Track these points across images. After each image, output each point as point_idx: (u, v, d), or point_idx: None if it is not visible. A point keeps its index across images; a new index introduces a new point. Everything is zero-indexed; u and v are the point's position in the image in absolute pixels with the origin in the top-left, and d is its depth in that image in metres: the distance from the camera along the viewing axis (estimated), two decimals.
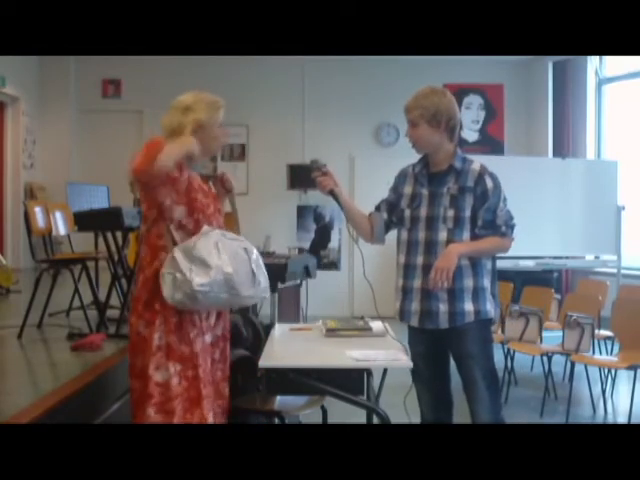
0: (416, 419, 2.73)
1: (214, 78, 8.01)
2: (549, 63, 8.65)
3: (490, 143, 8.91)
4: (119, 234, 4.63)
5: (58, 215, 4.86)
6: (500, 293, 3.05)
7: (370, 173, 8.24)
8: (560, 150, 8.40)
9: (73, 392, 2.89)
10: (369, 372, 2.46)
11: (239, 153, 8.76)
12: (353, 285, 8.62)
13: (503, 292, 5.35)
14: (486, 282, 2.64)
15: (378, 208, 2.82)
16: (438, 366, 2.72)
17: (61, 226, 4.88)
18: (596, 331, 4.78)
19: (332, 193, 2.70)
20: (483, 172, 2.62)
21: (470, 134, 8.86)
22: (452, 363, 2.73)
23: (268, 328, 3.07)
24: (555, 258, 7.67)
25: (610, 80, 8.33)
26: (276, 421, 2.82)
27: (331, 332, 2.86)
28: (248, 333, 3.07)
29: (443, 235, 2.60)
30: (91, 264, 4.67)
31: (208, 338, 2.48)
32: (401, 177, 2.79)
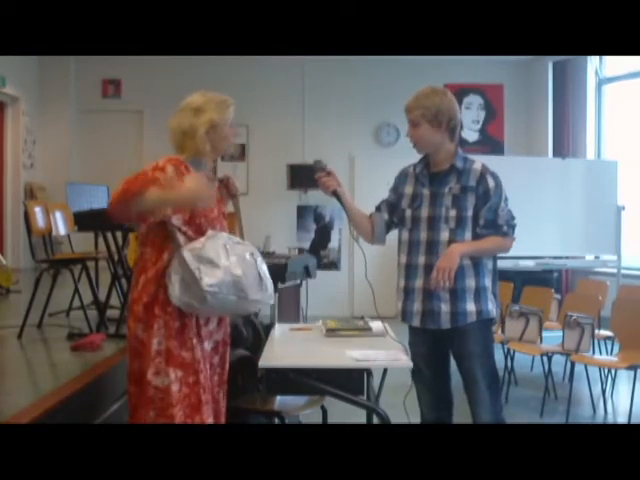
0: (416, 419, 2.72)
1: (214, 78, 8.01)
2: (549, 63, 8.65)
3: (490, 143, 8.91)
4: (119, 234, 4.63)
5: (58, 215, 4.86)
6: (500, 293, 3.05)
7: (370, 173, 8.23)
8: (560, 150, 8.40)
9: (73, 392, 2.89)
10: (369, 372, 2.46)
11: (239, 153, 8.76)
12: (353, 285, 8.62)
13: (503, 292, 5.36)
14: (487, 282, 2.64)
15: (379, 208, 2.82)
16: (439, 366, 2.72)
17: (61, 226, 4.88)
18: (596, 331, 4.78)
19: (335, 193, 2.69)
20: (485, 171, 2.62)
21: (470, 134, 8.86)
22: (452, 363, 2.73)
23: (268, 328, 3.07)
24: (555, 258, 7.67)
25: (610, 80, 8.33)
26: (276, 421, 2.82)
27: (331, 332, 2.86)
28: (248, 333, 3.07)
29: (445, 235, 2.60)
30: (91, 264, 4.67)
31: (208, 344, 2.46)
32: (401, 177, 2.79)
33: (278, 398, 2.90)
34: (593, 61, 8.31)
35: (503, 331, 4.99)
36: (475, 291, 2.60)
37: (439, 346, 2.68)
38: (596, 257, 7.94)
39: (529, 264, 7.40)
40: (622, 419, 4.55)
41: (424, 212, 2.64)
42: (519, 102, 8.98)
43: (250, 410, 2.83)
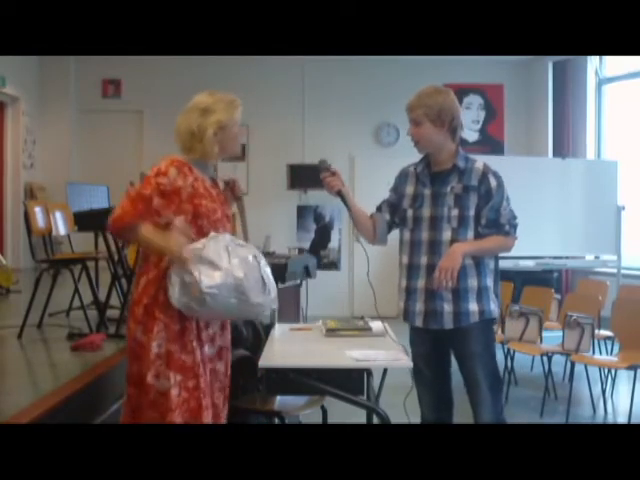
0: (416, 420, 2.72)
1: (214, 78, 8.02)
2: (549, 63, 8.65)
3: (490, 143, 8.91)
4: None
5: (58, 215, 4.86)
6: (501, 293, 3.05)
7: (370, 173, 8.23)
8: (560, 150, 8.40)
9: (73, 392, 2.89)
10: (369, 372, 2.46)
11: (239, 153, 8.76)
12: (353, 285, 8.63)
13: (503, 292, 5.35)
14: (489, 281, 2.64)
15: (379, 209, 2.81)
16: (439, 366, 2.72)
17: (61, 226, 4.88)
18: (596, 331, 4.78)
19: (340, 194, 2.69)
20: (487, 171, 2.62)
21: (470, 134, 8.86)
22: (453, 363, 2.73)
23: (268, 328, 3.07)
24: (555, 258, 7.67)
25: (610, 80, 8.33)
26: (276, 421, 2.82)
27: (331, 332, 2.86)
28: (248, 333, 3.07)
29: (447, 235, 2.59)
30: (91, 264, 4.67)
31: (208, 348, 2.42)
32: (402, 177, 2.78)
33: (278, 398, 2.90)
34: (593, 61, 8.31)
35: (503, 331, 4.99)
36: (477, 291, 2.60)
37: (440, 346, 2.68)
38: (596, 257, 7.94)
39: (529, 264, 7.40)
40: (622, 419, 4.55)
41: (426, 212, 2.64)
42: (519, 102, 8.98)
43: (250, 410, 2.83)
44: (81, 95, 8.82)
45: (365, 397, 2.46)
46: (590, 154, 8.34)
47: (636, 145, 7.78)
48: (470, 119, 8.87)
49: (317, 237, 8.90)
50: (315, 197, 8.76)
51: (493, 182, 2.60)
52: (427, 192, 2.66)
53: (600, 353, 5.23)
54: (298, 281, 4.87)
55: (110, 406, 3.08)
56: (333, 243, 8.90)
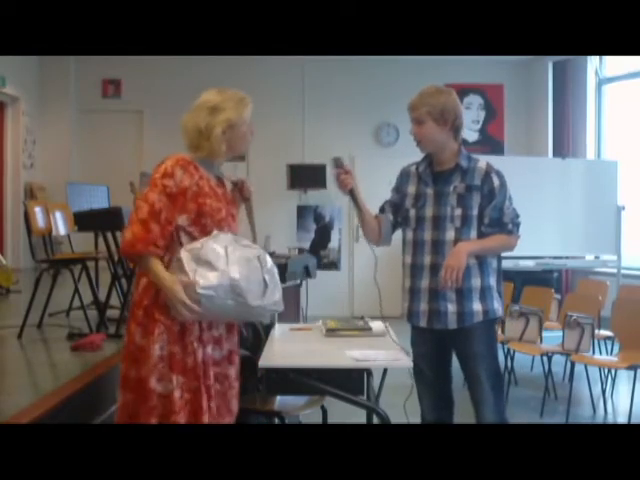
0: (416, 422, 2.72)
1: (214, 78, 7.98)
2: (549, 63, 8.65)
3: (490, 143, 8.91)
4: (119, 234, 4.63)
5: (58, 215, 4.86)
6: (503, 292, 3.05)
7: (370, 173, 8.20)
8: (560, 150, 8.40)
9: (73, 392, 2.89)
10: (369, 372, 2.46)
11: None
12: (353, 285, 8.62)
13: (503, 292, 5.35)
14: (492, 281, 2.64)
15: (382, 210, 2.80)
16: (441, 366, 2.71)
17: (61, 226, 4.88)
18: (596, 331, 4.78)
19: (351, 192, 2.68)
20: (490, 170, 2.62)
21: (470, 134, 8.86)
22: (453, 363, 2.73)
23: (268, 328, 3.06)
24: (555, 258, 7.67)
25: (610, 80, 8.33)
26: (276, 421, 2.82)
27: (331, 332, 2.86)
28: (248, 333, 3.07)
29: (451, 234, 2.59)
30: (91, 264, 4.68)
31: (212, 350, 2.35)
32: (403, 176, 2.77)
33: (278, 398, 2.90)
34: (593, 61, 8.31)
35: (503, 331, 4.99)
36: (481, 290, 2.60)
37: (442, 346, 2.68)
38: (596, 257, 7.94)
39: (529, 264, 7.40)
40: (622, 419, 4.55)
41: (428, 211, 2.64)
42: (519, 102, 8.99)
43: (250, 410, 2.83)
44: (81, 95, 8.82)
45: (365, 397, 2.45)
46: (590, 154, 8.34)
47: (636, 145, 7.78)
48: (470, 119, 8.86)
49: (317, 237, 8.90)
50: (315, 197, 8.76)
51: (496, 181, 2.60)
52: (430, 191, 2.65)
53: (600, 353, 5.23)
54: (298, 281, 4.86)
55: (110, 406, 3.08)
56: (333, 243, 8.90)
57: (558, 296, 6.06)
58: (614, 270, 7.48)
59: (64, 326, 4.41)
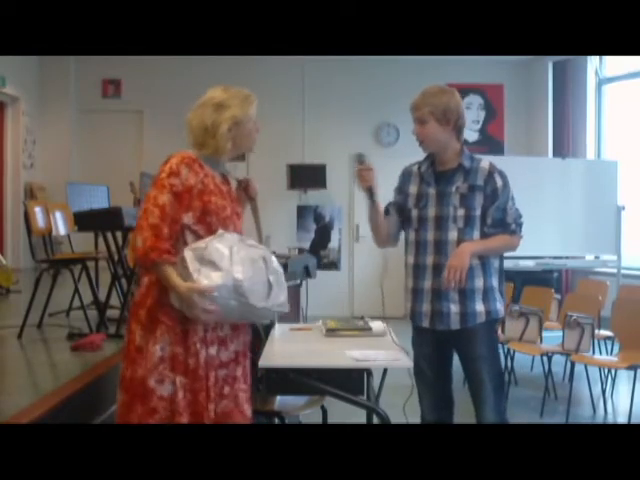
0: (415, 423, 2.72)
1: (214, 78, 7.98)
2: (549, 63, 8.65)
3: (490, 143, 8.91)
4: (119, 234, 4.64)
5: (58, 215, 4.87)
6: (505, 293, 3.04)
7: None
8: (560, 150, 8.40)
9: (73, 392, 2.89)
10: (369, 372, 2.45)
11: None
12: (353, 285, 8.63)
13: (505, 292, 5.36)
14: (495, 281, 2.64)
15: (387, 212, 2.78)
16: (442, 367, 2.71)
17: (61, 226, 4.89)
18: (596, 331, 4.78)
19: (370, 190, 2.67)
20: (493, 170, 2.62)
21: (470, 134, 8.86)
22: (454, 363, 2.73)
23: (268, 328, 3.06)
24: (555, 258, 7.67)
25: (610, 80, 8.33)
26: (276, 421, 2.82)
27: (331, 332, 2.86)
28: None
29: (453, 234, 2.59)
30: (91, 264, 4.68)
31: (216, 351, 2.32)
32: (405, 176, 2.76)
33: (278, 398, 2.90)
34: (593, 61, 8.32)
35: (503, 331, 4.98)
36: (483, 291, 2.60)
37: (443, 347, 2.68)
38: (596, 257, 7.94)
39: (529, 264, 7.39)
40: (622, 419, 4.55)
41: (431, 212, 2.63)
42: (519, 102, 8.99)
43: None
44: (81, 95, 8.82)
45: (365, 397, 2.45)
46: (590, 154, 8.34)
47: (636, 145, 7.78)
48: (470, 119, 8.86)
49: (317, 237, 8.90)
50: (315, 197, 8.76)
51: (499, 181, 2.60)
52: (432, 191, 2.64)
53: (600, 353, 5.23)
54: (298, 281, 4.86)
55: (110, 406, 3.08)
56: (333, 243, 8.90)
57: (558, 296, 6.06)
58: (614, 270, 7.47)
59: (64, 326, 4.41)
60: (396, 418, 2.47)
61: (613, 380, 5.05)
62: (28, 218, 4.55)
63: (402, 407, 2.65)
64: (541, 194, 7.30)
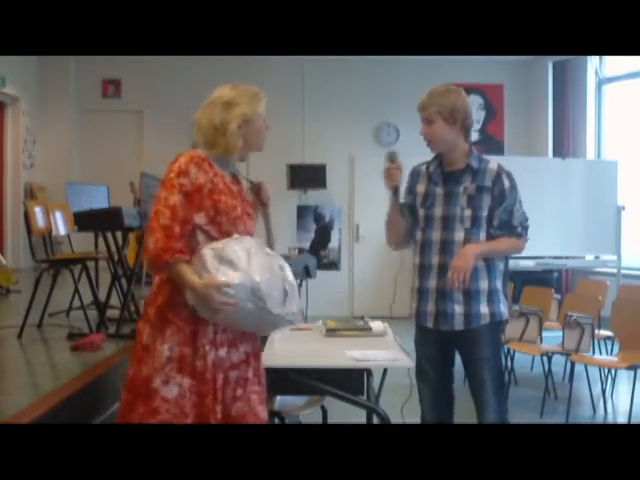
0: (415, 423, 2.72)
1: (214, 78, 7.99)
2: (549, 63, 8.65)
3: (490, 143, 8.91)
4: (119, 234, 4.63)
5: (58, 215, 4.87)
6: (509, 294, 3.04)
7: (370, 173, 8.22)
8: (560, 150, 8.40)
9: (73, 392, 2.89)
10: (369, 372, 2.46)
11: None
12: (353, 285, 8.62)
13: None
14: (499, 283, 2.64)
15: (402, 213, 2.76)
16: (444, 368, 2.70)
17: (61, 226, 4.89)
18: (596, 331, 4.79)
19: (395, 189, 2.66)
20: (501, 172, 2.61)
21: None
22: (455, 364, 2.73)
23: None
24: (555, 258, 7.67)
25: (610, 80, 8.33)
26: (276, 421, 2.82)
27: (331, 332, 2.86)
28: None
29: (460, 235, 2.58)
30: (91, 264, 4.68)
31: (226, 353, 2.27)
32: (414, 176, 2.75)
33: (278, 398, 2.90)
34: (593, 61, 8.32)
35: (503, 331, 4.98)
36: (488, 293, 2.59)
37: (447, 348, 2.67)
38: (596, 257, 7.95)
39: (529, 264, 7.40)
40: (622, 419, 4.55)
41: (437, 211, 2.62)
42: (519, 102, 8.99)
43: None
44: (81, 95, 8.82)
45: (365, 397, 2.46)
46: (590, 154, 8.34)
47: (636, 145, 7.78)
48: None
49: (317, 237, 8.90)
50: (315, 197, 8.76)
51: (507, 183, 2.59)
52: (439, 191, 2.64)
53: (600, 353, 5.23)
54: (298, 281, 4.87)
55: (110, 406, 3.08)
56: (333, 243, 8.90)
57: (558, 296, 6.06)
58: (614, 270, 7.48)
59: (64, 326, 4.41)
60: (396, 418, 2.47)
61: (613, 380, 5.05)
62: (28, 218, 4.55)
63: (402, 404, 2.65)
64: (541, 194, 7.29)
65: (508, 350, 5.00)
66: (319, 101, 8.85)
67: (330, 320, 3.00)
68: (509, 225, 2.60)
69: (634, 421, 4.23)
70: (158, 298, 2.25)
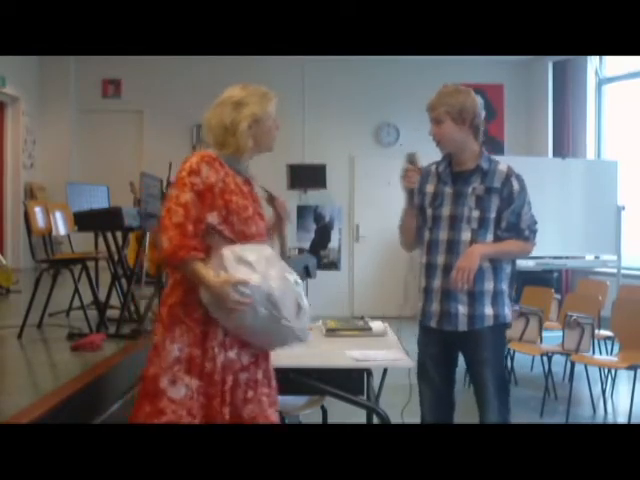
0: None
1: (214, 78, 8.00)
2: (549, 63, 8.65)
3: (490, 143, 8.89)
4: (119, 234, 4.63)
5: (58, 215, 4.86)
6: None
7: (370, 173, 8.24)
8: (560, 150, 8.40)
9: (73, 392, 2.89)
10: (369, 372, 2.46)
11: None
12: (353, 285, 8.61)
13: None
14: (505, 286, 2.64)
15: None
16: (447, 368, 2.70)
17: (61, 226, 4.88)
18: (596, 331, 4.79)
19: (412, 191, 2.66)
20: (510, 173, 2.61)
21: None
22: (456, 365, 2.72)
23: None
24: (555, 258, 7.67)
25: (610, 80, 8.33)
26: None
27: (331, 332, 2.86)
28: None
29: (467, 235, 2.57)
30: (91, 264, 4.67)
31: (236, 354, 2.26)
32: (423, 176, 2.73)
33: (278, 398, 2.90)
34: (593, 61, 8.31)
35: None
36: (493, 294, 2.59)
37: (450, 349, 2.67)
38: (596, 257, 7.95)
39: (529, 264, 7.39)
40: (622, 419, 4.55)
41: (445, 211, 2.62)
42: (519, 102, 8.99)
43: None
44: (81, 95, 8.82)
45: (365, 397, 2.46)
46: (590, 154, 8.34)
47: (636, 145, 7.78)
48: None
49: (317, 237, 8.90)
50: (315, 197, 8.75)
51: (516, 185, 2.59)
52: (448, 191, 2.63)
53: (600, 353, 5.23)
54: None
55: (110, 406, 3.08)
56: (333, 243, 8.89)
57: (558, 296, 6.06)
58: (614, 270, 7.48)
59: (64, 326, 4.41)
60: (396, 418, 2.47)
61: (613, 380, 5.05)
62: (28, 218, 4.54)
63: (402, 403, 2.65)
64: (541, 194, 7.26)
65: (508, 350, 5.00)
66: (319, 101, 8.85)
67: (330, 320, 3.00)
68: (517, 228, 2.59)
69: (634, 421, 4.23)
70: (171, 298, 2.25)
